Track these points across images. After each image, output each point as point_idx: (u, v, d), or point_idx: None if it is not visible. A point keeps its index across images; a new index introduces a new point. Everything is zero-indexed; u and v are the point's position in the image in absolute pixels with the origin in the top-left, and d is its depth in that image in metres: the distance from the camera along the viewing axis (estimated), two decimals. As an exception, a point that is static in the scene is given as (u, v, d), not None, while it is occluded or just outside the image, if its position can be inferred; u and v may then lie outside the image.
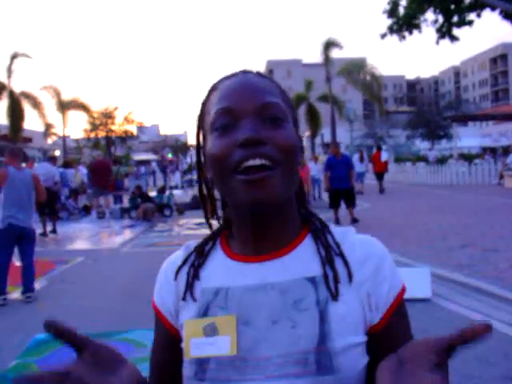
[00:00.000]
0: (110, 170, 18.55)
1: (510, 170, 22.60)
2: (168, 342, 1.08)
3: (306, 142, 51.58)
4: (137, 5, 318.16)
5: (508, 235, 10.03)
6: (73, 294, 7.24)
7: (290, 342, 0.91)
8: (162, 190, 18.81)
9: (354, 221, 12.31)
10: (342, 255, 0.99)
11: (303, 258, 1.00)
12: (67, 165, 21.07)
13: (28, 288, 6.98)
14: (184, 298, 1.03)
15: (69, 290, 7.48)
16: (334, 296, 0.93)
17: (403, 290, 1.01)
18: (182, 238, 12.52)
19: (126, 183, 24.26)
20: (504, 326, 5.11)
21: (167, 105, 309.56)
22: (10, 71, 35.76)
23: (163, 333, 1.09)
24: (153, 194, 18.85)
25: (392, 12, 21.72)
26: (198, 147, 1.09)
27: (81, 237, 13.47)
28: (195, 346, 0.95)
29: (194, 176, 36.25)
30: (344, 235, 1.04)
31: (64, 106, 41.53)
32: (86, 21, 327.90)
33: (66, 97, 42.10)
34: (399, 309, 0.99)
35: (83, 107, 42.71)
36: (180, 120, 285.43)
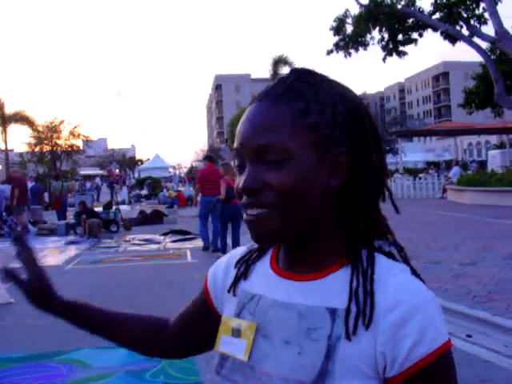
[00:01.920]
0: (27, 187, 18.31)
1: (452, 183, 23.29)
2: (203, 308, 1.20)
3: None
4: (82, 18, 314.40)
5: (450, 247, 10.29)
6: (15, 313, 7.01)
7: (291, 368, 0.91)
8: (108, 206, 18.53)
9: None
10: (371, 295, 0.90)
11: (332, 287, 0.95)
12: (9, 180, 20.51)
13: None
14: (229, 290, 1.09)
15: (10, 309, 7.25)
16: (348, 334, 0.88)
17: (438, 352, 0.87)
18: (129, 253, 12.35)
19: (69, 199, 23.77)
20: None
21: (115, 119, 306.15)
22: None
23: (202, 300, 1.22)
24: (99, 209, 18.54)
25: (338, 29, 22.19)
26: None
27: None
28: (223, 341, 1.03)
29: (142, 191, 35.92)
30: (387, 272, 0.94)
31: (7, 119, 40.57)
32: (30, 32, 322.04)
33: (9, 109, 41.16)
34: (426, 372, 0.87)
35: (27, 120, 41.86)
36: (128, 134, 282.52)
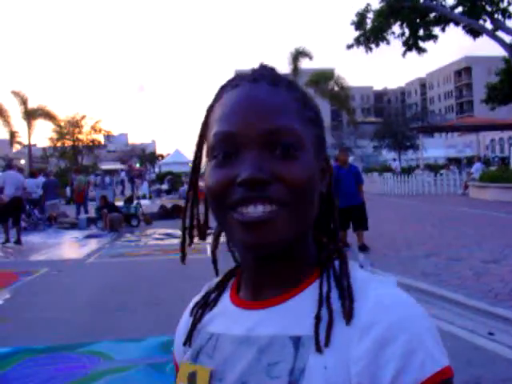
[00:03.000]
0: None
1: (474, 179, 23.04)
2: None
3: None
4: (104, 13, 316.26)
5: (471, 244, 10.20)
6: (37, 306, 7.10)
7: None
8: (129, 200, 18.66)
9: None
10: (349, 297, 0.77)
11: (298, 310, 0.79)
12: (32, 174, 20.74)
13: None
14: (184, 343, 0.94)
15: (32, 302, 7.35)
16: (319, 347, 0.74)
17: (436, 378, 0.69)
18: (149, 248, 12.42)
19: (90, 193, 24.00)
20: (467, 334, 5.20)
21: (136, 114, 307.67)
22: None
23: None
24: (120, 203, 18.68)
25: (359, 24, 22.03)
26: (196, 161, 0.93)
27: (45, 247, 13.25)
28: None
29: (163, 186, 36.10)
30: (364, 285, 0.78)
31: (30, 114, 41.03)
32: (53, 29, 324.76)
33: (33, 105, 41.63)
34: None
35: (49, 115, 42.25)
36: (148, 129, 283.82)
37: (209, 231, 1.00)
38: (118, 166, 62.28)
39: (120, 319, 6.38)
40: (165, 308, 6.80)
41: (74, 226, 17.41)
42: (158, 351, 5.14)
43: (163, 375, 4.55)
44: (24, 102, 40.72)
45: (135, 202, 18.89)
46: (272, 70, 0.86)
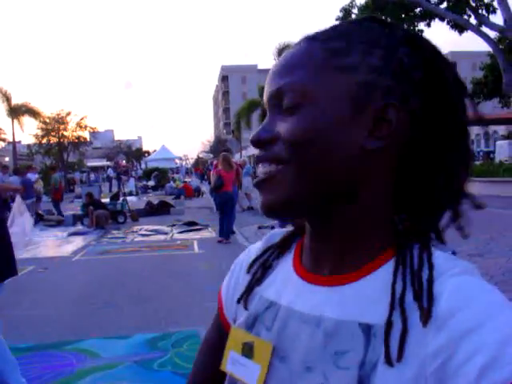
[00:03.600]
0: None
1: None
2: (218, 337, 0.93)
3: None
4: (91, 9, 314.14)
5: (457, 238, 10.23)
6: (22, 304, 7.05)
7: None
8: (115, 197, 18.58)
9: None
10: (429, 299, 0.65)
11: (367, 294, 0.71)
12: (17, 172, 20.59)
13: None
14: (239, 301, 0.87)
15: (18, 300, 7.29)
16: (389, 359, 0.64)
17: None
18: (136, 244, 12.38)
19: (76, 190, 23.90)
20: None
21: (122, 110, 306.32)
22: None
23: (217, 325, 0.96)
24: (106, 200, 18.58)
25: (344, 19, 22.08)
26: None
27: (31, 245, 13.16)
28: (232, 360, 0.82)
29: (149, 182, 36.01)
30: (444, 271, 0.68)
31: (14, 111, 40.71)
32: (38, 25, 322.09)
33: (17, 101, 41.31)
34: None
35: (34, 112, 41.96)
36: (134, 126, 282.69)
37: None
38: (104, 162, 62.05)
39: (107, 316, 6.35)
40: (152, 304, 6.79)
41: (59, 223, 17.29)
42: (145, 348, 5.12)
43: (151, 372, 4.54)
44: (7, 98, 40.43)
45: (121, 198, 18.80)
46: (334, 26, 0.79)
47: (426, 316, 0.64)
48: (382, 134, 0.71)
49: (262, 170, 0.76)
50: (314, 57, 0.74)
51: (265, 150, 0.75)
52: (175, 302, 6.85)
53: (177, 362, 4.70)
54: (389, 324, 0.66)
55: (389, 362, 0.64)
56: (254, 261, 0.89)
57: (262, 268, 0.87)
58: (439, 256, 0.71)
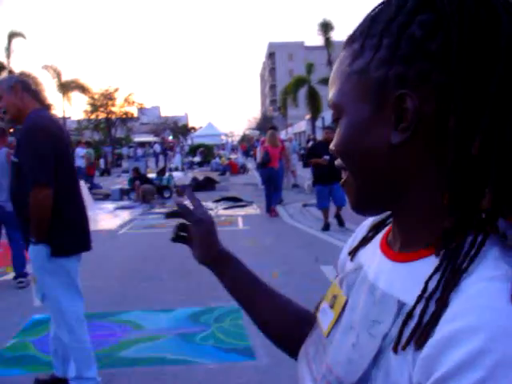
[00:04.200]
0: None
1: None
2: None
3: (306, 125, 51.40)
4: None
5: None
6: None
7: (340, 359, 0.77)
8: (161, 172, 18.76)
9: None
10: (441, 302, 0.63)
11: (415, 276, 0.71)
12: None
13: (19, 273, 6.91)
14: (350, 253, 0.96)
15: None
16: (395, 346, 0.66)
17: None
18: (181, 219, 12.48)
19: (123, 165, 24.24)
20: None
21: (168, 86, 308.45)
22: (8, 51, 35.75)
23: None
24: (152, 175, 18.79)
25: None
26: None
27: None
28: (322, 308, 0.91)
29: (195, 158, 36.28)
30: (483, 270, 0.64)
31: (64, 87, 41.43)
32: (85, 2, 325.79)
33: (67, 77, 42.01)
34: None
35: (83, 88, 42.57)
36: (181, 102, 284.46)
37: None
38: (150, 138, 62.70)
39: (150, 289, 6.43)
40: (195, 279, 6.83)
41: (107, 197, 17.61)
42: (188, 322, 5.17)
43: (193, 345, 4.58)
44: (58, 74, 41.12)
45: (167, 173, 18.98)
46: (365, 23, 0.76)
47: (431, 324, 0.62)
48: (405, 125, 0.69)
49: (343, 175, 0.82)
50: (343, 66, 0.76)
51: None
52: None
53: (219, 336, 4.73)
54: (409, 315, 0.67)
55: (395, 349, 0.66)
56: (376, 223, 0.94)
57: (374, 230, 0.93)
58: (494, 252, 0.65)
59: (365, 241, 0.93)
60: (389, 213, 0.90)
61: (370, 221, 0.98)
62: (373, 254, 0.86)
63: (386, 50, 0.70)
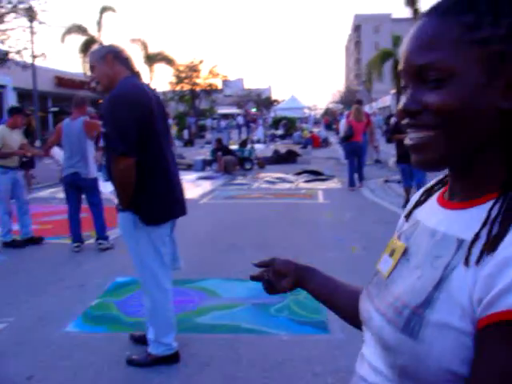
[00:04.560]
0: None
1: None
2: None
3: (391, 100, 50.20)
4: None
5: None
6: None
7: (407, 290, 0.92)
8: (243, 144, 18.88)
9: None
10: (503, 226, 0.81)
11: (472, 219, 0.88)
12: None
13: (100, 236, 7.24)
14: (405, 216, 1.11)
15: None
16: (468, 262, 0.82)
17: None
18: (261, 191, 12.56)
19: (206, 136, 24.56)
20: None
21: (252, 59, 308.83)
22: (99, 25, 36.85)
23: None
24: (235, 147, 18.95)
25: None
26: None
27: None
28: (382, 260, 1.07)
29: (277, 131, 36.28)
30: None
31: (150, 59, 42.26)
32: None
33: (153, 50, 42.80)
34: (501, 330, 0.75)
35: (169, 60, 43.28)
36: (264, 74, 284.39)
37: None
38: (233, 110, 63.15)
39: (229, 259, 6.52)
40: (273, 251, 6.85)
41: (189, 167, 17.93)
42: (263, 292, 5.18)
43: (267, 316, 4.61)
44: (145, 47, 41.95)
45: (249, 145, 19.08)
46: None
47: (493, 244, 0.79)
48: None
49: (413, 135, 0.90)
50: (451, 33, 0.84)
51: (413, 118, 0.89)
52: (296, 249, 6.88)
53: (294, 308, 4.73)
54: (476, 236, 0.83)
55: (467, 263, 0.82)
56: (428, 188, 1.11)
57: (425, 194, 1.09)
58: None
59: (418, 203, 1.08)
60: (438, 179, 1.08)
61: (418, 193, 1.14)
62: (429, 209, 1.02)
63: (506, 29, 0.81)
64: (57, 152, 9.17)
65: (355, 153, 12.55)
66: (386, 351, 0.93)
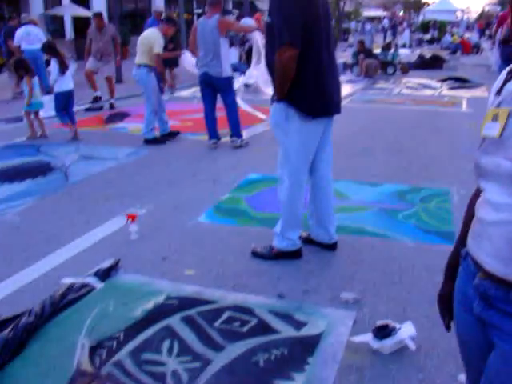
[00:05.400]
0: None
1: None
2: None
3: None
4: None
5: None
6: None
7: None
8: (387, 47, 18.09)
9: None
10: None
11: None
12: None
13: (233, 133, 7.42)
14: (496, 93, 1.28)
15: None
16: None
17: None
18: (402, 96, 12.11)
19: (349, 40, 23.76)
20: None
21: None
22: None
23: None
24: (378, 51, 18.23)
25: None
26: None
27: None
28: (485, 127, 1.24)
29: (425, 35, 34.29)
30: None
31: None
32: None
33: None
34: None
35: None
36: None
37: None
38: (380, 12, 60.24)
39: (361, 162, 6.45)
40: (407, 156, 6.68)
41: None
42: (393, 198, 5.11)
43: (395, 221, 4.54)
44: None
45: (393, 49, 18.23)
46: None
47: None
48: None
49: None
50: None
51: None
52: (431, 157, 6.63)
53: (422, 216, 4.61)
54: None
55: None
56: (510, 70, 1.26)
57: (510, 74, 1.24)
58: None
59: (507, 80, 1.24)
60: None
61: (504, 71, 1.28)
62: None
63: None
64: (186, 59, 9.23)
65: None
66: None
